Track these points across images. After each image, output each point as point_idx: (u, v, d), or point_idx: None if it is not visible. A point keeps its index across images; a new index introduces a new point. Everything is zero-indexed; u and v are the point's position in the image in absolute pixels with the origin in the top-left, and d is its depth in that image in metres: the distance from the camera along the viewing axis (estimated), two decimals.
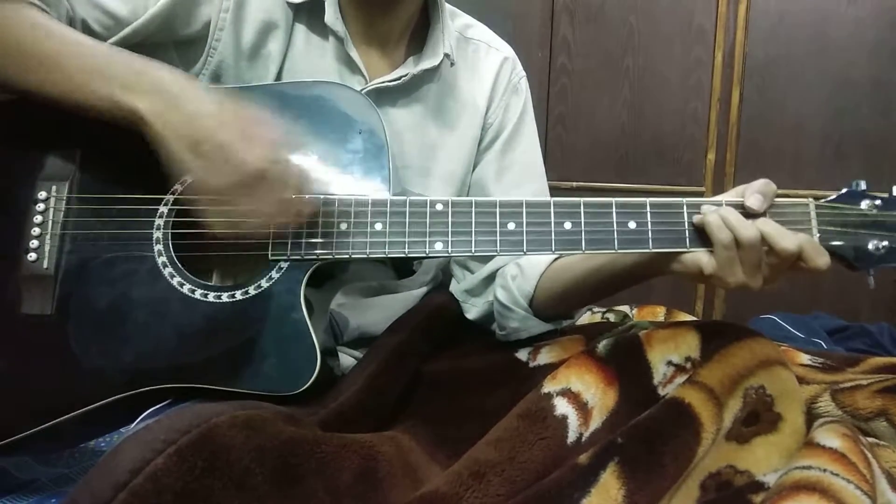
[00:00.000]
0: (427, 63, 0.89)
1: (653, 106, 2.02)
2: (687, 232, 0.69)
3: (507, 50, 1.00)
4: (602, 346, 0.76)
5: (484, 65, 0.98)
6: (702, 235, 0.69)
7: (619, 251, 0.70)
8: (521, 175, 0.97)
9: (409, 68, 0.88)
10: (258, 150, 0.66)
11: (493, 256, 0.91)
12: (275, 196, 0.68)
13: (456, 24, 0.97)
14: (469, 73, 0.96)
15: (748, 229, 0.65)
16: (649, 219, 0.70)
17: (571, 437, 0.69)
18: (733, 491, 0.62)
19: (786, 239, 0.65)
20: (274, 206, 0.68)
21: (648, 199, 0.71)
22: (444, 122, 0.93)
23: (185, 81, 0.70)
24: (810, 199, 0.71)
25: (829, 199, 0.71)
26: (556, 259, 0.86)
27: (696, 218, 0.69)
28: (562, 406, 0.70)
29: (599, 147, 2.06)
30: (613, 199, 0.71)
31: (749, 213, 0.68)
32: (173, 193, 0.75)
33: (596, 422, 0.70)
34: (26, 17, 0.72)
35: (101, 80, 0.69)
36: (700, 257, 0.68)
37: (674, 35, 1.99)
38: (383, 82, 0.87)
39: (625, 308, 1.26)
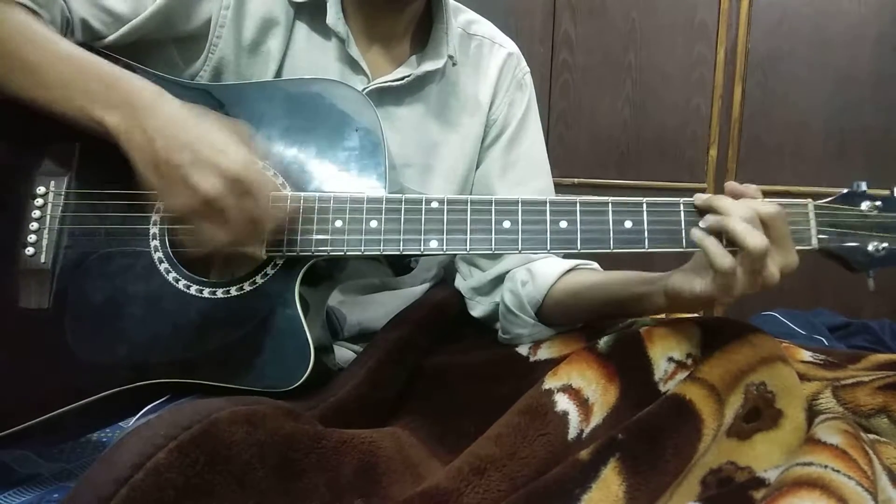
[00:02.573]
0: (430, 65, 0.88)
1: (655, 102, 2.02)
2: (683, 232, 0.69)
3: (510, 46, 1.00)
4: (603, 342, 0.76)
5: (488, 61, 0.97)
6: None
7: (615, 250, 0.70)
8: (527, 171, 0.97)
9: (412, 68, 0.88)
10: (212, 179, 0.64)
11: (497, 255, 0.91)
12: (232, 222, 0.65)
13: (459, 21, 0.96)
14: (472, 70, 0.96)
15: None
16: (645, 218, 0.70)
17: (572, 433, 0.69)
18: (734, 487, 0.62)
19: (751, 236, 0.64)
20: (231, 231, 0.66)
21: (645, 199, 0.70)
22: (446, 120, 0.93)
23: (155, 96, 0.69)
24: (809, 201, 0.70)
25: (828, 199, 0.71)
26: (568, 270, 0.86)
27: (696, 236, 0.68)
28: (563, 402, 0.70)
29: (601, 143, 2.06)
30: (609, 199, 0.71)
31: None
32: None
33: (597, 418, 0.70)
34: (7, 20, 0.71)
35: (75, 92, 0.69)
36: (694, 283, 0.68)
37: (676, 31, 1.98)
38: (385, 82, 0.87)
39: None
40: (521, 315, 0.86)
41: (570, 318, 0.86)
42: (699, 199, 0.69)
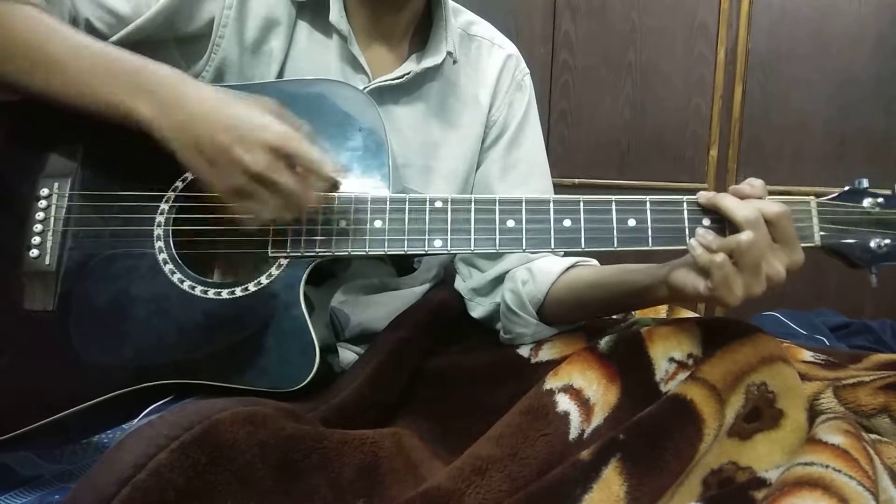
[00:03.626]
0: (429, 61, 0.89)
1: (655, 102, 2.02)
2: (686, 230, 0.69)
3: (510, 47, 1.00)
4: (604, 342, 0.76)
5: (487, 62, 0.97)
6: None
7: (619, 249, 0.70)
8: (526, 173, 0.97)
9: (412, 66, 0.88)
10: (257, 155, 0.65)
11: (499, 254, 0.91)
12: (277, 198, 0.67)
13: (459, 21, 0.96)
14: (472, 71, 0.96)
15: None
16: (649, 216, 0.70)
17: (573, 433, 0.69)
18: (735, 487, 0.63)
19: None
20: (276, 207, 0.67)
21: (648, 197, 0.71)
22: (446, 120, 0.93)
23: (184, 81, 0.70)
24: (811, 197, 0.71)
25: (830, 196, 0.71)
26: (568, 268, 0.86)
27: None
28: (564, 402, 0.70)
29: (601, 143, 2.06)
30: (613, 197, 0.71)
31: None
32: (174, 191, 0.75)
33: (598, 418, 0.70)
34: (26, 17, 0.71)
35: (102, 83, 0.69)
36: (697, 282, 0.68)
37: (676, 31, 1.98)
38: (386, 80, 0.87)
39: None
40: (523, 314, 0.86)
41: (573, 314, 0.86)
42: (703, 196, 0.70)
